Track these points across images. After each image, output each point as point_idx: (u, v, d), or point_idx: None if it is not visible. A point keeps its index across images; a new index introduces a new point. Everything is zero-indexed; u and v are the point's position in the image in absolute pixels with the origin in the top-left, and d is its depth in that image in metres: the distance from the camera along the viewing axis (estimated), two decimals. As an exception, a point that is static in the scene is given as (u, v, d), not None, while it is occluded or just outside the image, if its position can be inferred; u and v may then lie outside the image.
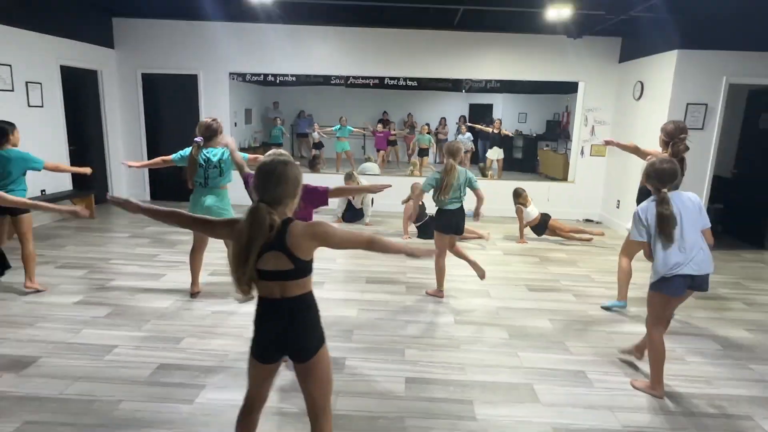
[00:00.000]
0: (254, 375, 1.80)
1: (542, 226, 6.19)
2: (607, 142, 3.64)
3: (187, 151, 3.83)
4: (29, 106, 5.93)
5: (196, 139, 3.75)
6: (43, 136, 6.13)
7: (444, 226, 4.08)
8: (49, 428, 2.31)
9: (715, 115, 5.84)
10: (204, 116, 7.66)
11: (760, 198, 6.23)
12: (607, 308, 4.05)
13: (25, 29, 5.80)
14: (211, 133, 3.79)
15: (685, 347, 3.40)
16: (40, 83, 6.09)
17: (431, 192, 4.00)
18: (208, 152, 3.81)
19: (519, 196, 6.18)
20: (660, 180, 2.59)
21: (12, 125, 3.84)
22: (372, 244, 1.76)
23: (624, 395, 2.77)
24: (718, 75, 5.75)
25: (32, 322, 3.39)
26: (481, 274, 4.24)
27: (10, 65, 5.60)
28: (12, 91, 5.67)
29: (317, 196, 2.86)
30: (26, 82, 5.87)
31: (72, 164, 6.31)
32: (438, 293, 4.21)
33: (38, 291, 3.94)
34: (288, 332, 1.68)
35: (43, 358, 2.95)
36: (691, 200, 2.67)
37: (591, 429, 2.46)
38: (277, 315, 1.69)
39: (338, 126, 10.85)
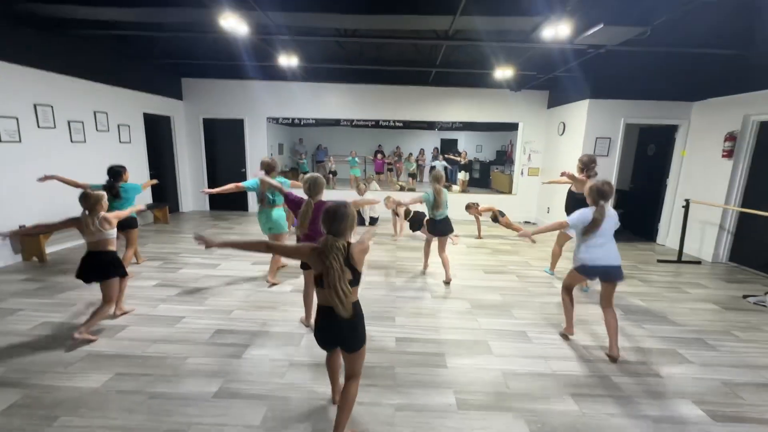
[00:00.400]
0: (335, 362, 2.02)
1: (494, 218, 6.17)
2: (563, 173, 3.72)
3: (253, 181, 3.84)
4: (120, 142, 5.89)
5: (260, 171, 3.73)
6: (131, 165, 5.99)
7: (434, 230, 4.07)
8: (134, 378, 2.29)
9: (616, 145, 5.87)
10: (248, 150, 7.68)
11: (649, 204, 6.28)
12: (547, 272, 4.44)
13: (117, 86, 5.78)
14: (271, 168, 3.76)
15: (597, 314, 3.39)
16: (129, 125, 6.05)
17: (426, 202, 4.00)
18: (253, 182, 3.83)
19: (470, 208, 6.32)
20: (602, 196, 2.65)
21: (124, 167, 3.86)
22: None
23: (554, 348, 2.77)
24: (617, 117, 5.78)
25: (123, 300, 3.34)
26: (447, 280, 4.03)
27: (106, 112, 5.56)
28: (108, 131, 5.63)
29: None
30: (118, 125, 5.82)
31: (153, 186, 6.23)
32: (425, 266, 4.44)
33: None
34: (344, 332, 1.74)
35: (130, 326, 2.91)
36: (612, 211, 2.72)
37: (530, 372, 2.46)
38: (336, 318, 1.68)
39: (350, 157, 11.02)
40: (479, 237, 6.20)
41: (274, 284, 3.83)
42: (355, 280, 1.71)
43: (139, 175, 6.23)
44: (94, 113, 5.35)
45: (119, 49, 5.76)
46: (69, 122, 4.95)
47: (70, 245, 5.00)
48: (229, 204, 7.96)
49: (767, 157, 4.64)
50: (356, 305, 1.75)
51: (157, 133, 6.97)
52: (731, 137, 4.87)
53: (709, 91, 5.28)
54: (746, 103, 4.72)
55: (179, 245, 5.22)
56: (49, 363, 2.40)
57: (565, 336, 2.95)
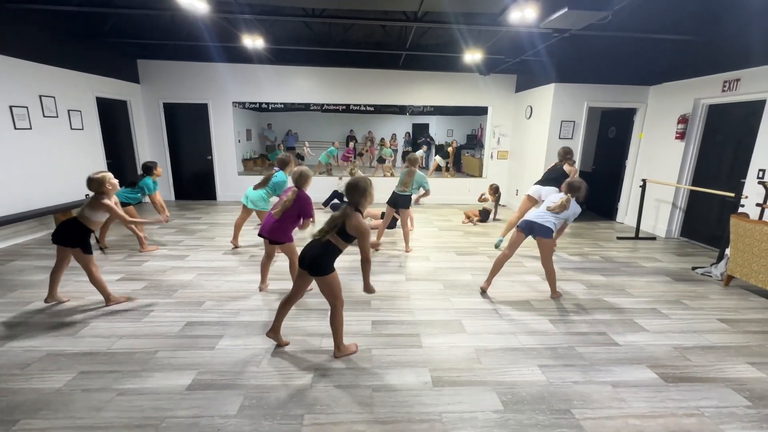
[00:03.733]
0: (298, 278, 2.38)
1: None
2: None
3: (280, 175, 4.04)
4: (71, 129, 5.47)
5: (275, 168, 4.07)
6: (85, 153, 5.69)
7: (393, 203, 4.53)
8: (100, 375, 2.19)
9: (580, 128, 6.07)
10: (214, 136, 7.35)
11: (610, 185, 6.58)
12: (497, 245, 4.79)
13: (65, 68, 5.33)
14: (285, 163, 4.08)
15: (562, 288, 3.57)
16: (80, 111, 5.62)
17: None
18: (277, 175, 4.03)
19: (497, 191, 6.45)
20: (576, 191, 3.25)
21: (155, 163, 4.51)
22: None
23: (523, 324, 2.88)
24: (581, 101, 5.96)
25: (83, 296, 3.17)
26: (407, 251, 4.55)
27: (54, 96, 5.13)
28: (57, 117, 5.21)
29: (308, 210, 3.00)
30: (68, 110, 5.40)
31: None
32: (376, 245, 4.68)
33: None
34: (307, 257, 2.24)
35: (93, 322, 2.77)
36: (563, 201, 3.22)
37: (500, 348, 2.56)
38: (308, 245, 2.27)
39: (332, 147, 10.60)
40: (495, 219, 6.44)
41: (236, 247, 4.40)
42: (346, 235, 2.19)
43: (94, 164, 5.86)
44: (40, 97, 4.92)
45: (64, 27, 5.28)
46: (11, 107, 4.53)
47: (20, 240, 4.66)
48: (196, 193, 7.65)
49: (715, 139, 4.96)
50: (332, 246, 2.20)
51: (113, 118, 6.54)
52: (683, 120, 5.16)
53: (664, 75, 5.54)
54: (697, 88, 5.00)
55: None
56: (1, 365, 2.25)
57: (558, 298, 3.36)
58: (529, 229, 3.22)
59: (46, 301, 3.03)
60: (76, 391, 2.06)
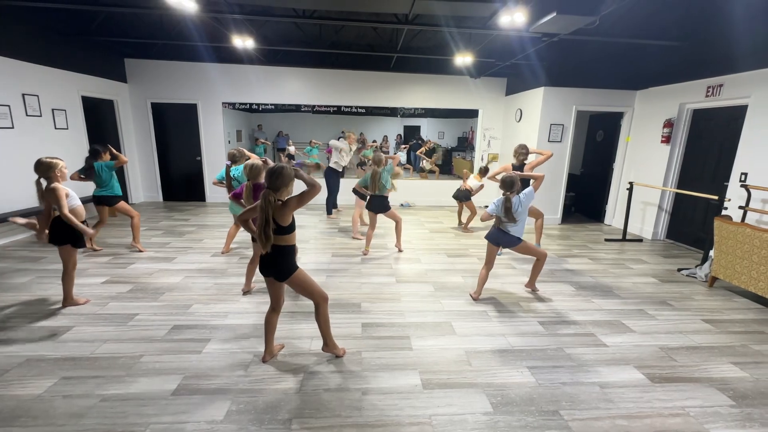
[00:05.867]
0: (269, 288, 2.29)
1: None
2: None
3: (223, 172, 4.15)
4: (56, 128, 5.35)
5: (226, 162, 4.00)
6: (70, 152, 5.57)
7: (370, 206, 4.52)
8: (82, 381, 2.14)
9: (569, 132, 6.13)
10: (203, 137, 7.27)
11: (598, 187, 6.68)
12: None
13: (49, 66, 5.21)
14: (234, 159, 4.02)
15: (551, 289, 3.60)
16: (65, 110, 5.50)
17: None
18: (235, 170, 4.00)
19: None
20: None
21: (104, 146, 4.32)
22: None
23: (513, 326, 2.90)
24: (570, 104, 6.02)
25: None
26: (365, 252, 4.52)
27: (37, 95, 5.02)
28: (40, 116, 5.09)
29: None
30: (52, 109, 5.28)
31: None
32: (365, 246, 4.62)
33: (140, 251, 4.34)
34: (268, 264, 2.18)
35: (76, 327, 2.71)
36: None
37: (490, 349, 2.57)
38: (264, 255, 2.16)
39: (309, 148, 10.66)
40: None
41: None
42: (281, 230, 2.08)
43: (79, 164, 5.73)
44: (23, 96, 4.81)
45: (49, 25, 5.18)
46: (-8, 106, 4.43)
47: (2, 242, 4.54)
48: (184, 194, 7.55)
49: (699, 143, 5.07)
50: (282, 248, 2.12)
51: (99, 118, 6.42)
52: (669, 124, 5.26)
53: (650, 80, 5.64)
54: (681, 93, 5.10)
55: (130, 239, 4.89)
56: (-20, 371, 2.18)
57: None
58: (496, 242, 3.30)
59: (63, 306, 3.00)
60: (57, 397, 2.01)
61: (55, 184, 2.73)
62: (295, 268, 2.19)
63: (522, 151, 4.40)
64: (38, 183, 2.76)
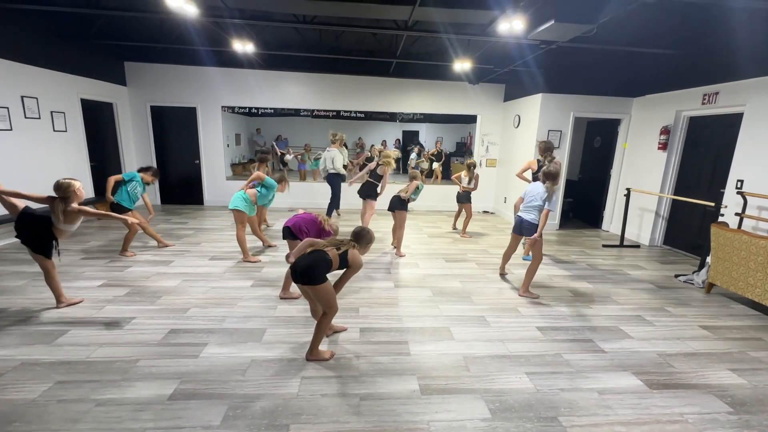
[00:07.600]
0: (303, 292, 2.52)
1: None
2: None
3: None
4: (54, 130, 5.35)
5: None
6: (68, 155, 5.57)
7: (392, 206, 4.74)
8: (78, 385, 2.12)
9: (566, 138, 6.17)
10: (202, 140, 7.28)
11: (595, 194, 6.71)
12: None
13: (48, 69, 5.22)
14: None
15: (549, 295, 3.61)
16: (64, 112, 5.50)
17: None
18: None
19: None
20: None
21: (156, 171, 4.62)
22: None
23: (511, 331, 2.90)
24: (567, 111, 6.07)
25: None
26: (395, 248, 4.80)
27: (36, 97, 5.02)
28: (39, 119, 5.09)
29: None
30: (51, 112, 5.28)
31: (93, 176, 6.17)
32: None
33: (166, 245, 4.65)
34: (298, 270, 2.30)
35: (72, 330, 2.69)
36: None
37: (489, 355, 2.56)
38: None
39: (312, 163, 10.47)
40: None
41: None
42: (341, 261, 2.37)
43: (77, 166, 5.74)
44: (22, 98, 4.81)
45: (49, 27, 5.19)
46: (-9, 108, 4.42)
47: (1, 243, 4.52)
48: (182, 197, 7.53)
49: (695, 150, 5.11)
50: (323, 255, 2.30)
51: (99, 121, 6.43)
52: (666, 131, 5.30)
53: (647, 87, 5.70)
54: (678, 100, 5.15)
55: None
56: (-26, 375, 2.16)
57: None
58: (519, 229, 3.67)
59: (57, 307, 3.03)
60: (52, 401, 1.99)
61: (73, 206, 2.82)
62: (325, 280, 2.30)
63: (550, 155, 4.36)
64: (52, 202, 2.83)
